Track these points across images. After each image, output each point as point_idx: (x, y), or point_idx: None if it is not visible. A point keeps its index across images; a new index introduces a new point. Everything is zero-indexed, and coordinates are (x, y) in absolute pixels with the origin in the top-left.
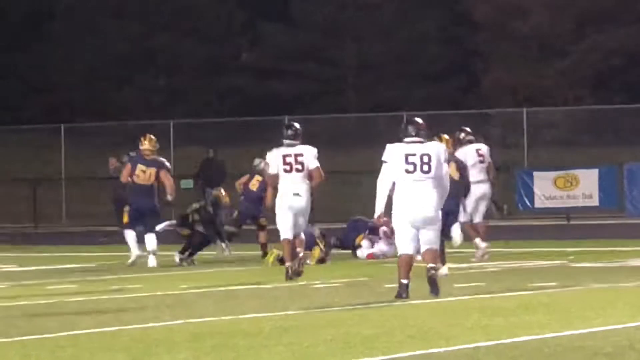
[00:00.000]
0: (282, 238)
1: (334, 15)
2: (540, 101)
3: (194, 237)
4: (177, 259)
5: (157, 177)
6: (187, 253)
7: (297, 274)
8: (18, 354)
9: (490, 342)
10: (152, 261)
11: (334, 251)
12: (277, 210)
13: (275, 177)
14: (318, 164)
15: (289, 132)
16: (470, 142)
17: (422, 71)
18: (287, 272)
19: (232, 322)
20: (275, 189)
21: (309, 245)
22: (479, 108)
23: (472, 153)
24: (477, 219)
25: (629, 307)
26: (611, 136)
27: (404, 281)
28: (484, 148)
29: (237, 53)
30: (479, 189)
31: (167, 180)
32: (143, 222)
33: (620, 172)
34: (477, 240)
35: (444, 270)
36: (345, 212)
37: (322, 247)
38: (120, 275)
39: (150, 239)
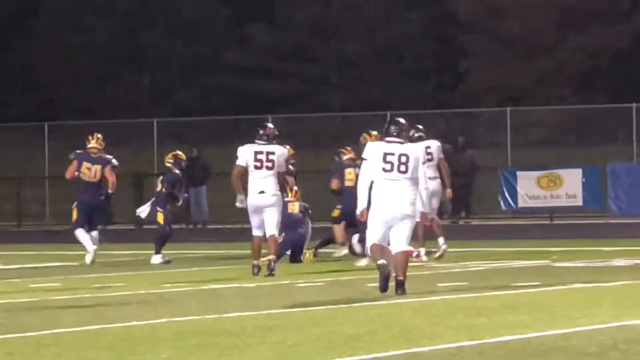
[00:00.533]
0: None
1: (318, 15)
2: (525, 101)
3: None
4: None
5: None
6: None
7: (267, 271)
8: (1, 352)
9: (474, 341)
10: (89, 258)
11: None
12: (248, 208)
13: (242, 170)
14: (288, 167)
15: (261, 132)
16: (420, 139)
17: (406, 70)
18: (253, 269)
19: (216, 321)
20: (241, 183)
21: (295, 246)
22: (463, 107)
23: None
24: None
25: (612, 306)
26: (595, 136)
27: (381, 262)
28: (433, 146)
29: (221, 52)
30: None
31: (110, 177)
32: (90, 218)
33: (604, 172)
34: (440, 240)
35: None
36: (331, 210)
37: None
38: (104, 274)
39: (93, 236)
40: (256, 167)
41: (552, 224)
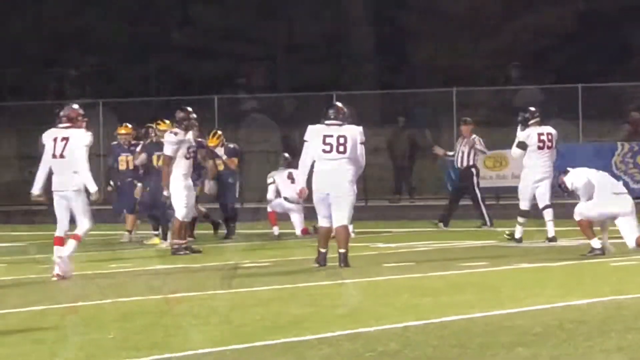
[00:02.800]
0: None
1: None
2: (470, 81)
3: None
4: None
5: None
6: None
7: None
8: None
9: (420, 321)
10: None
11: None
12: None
13: (170, 159)
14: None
15: (181, 114)
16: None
17: (352, 51)
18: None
19: (162, 302)
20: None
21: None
22: (408, 88)
23: None
24: None
25: (558, 286)
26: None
27: (322, 250)
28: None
29: (167, 32)
30: None
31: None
32: None
33: None
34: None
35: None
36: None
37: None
38: (50, 255)
39: None
40: (186, 158)
41: (498, 204)
